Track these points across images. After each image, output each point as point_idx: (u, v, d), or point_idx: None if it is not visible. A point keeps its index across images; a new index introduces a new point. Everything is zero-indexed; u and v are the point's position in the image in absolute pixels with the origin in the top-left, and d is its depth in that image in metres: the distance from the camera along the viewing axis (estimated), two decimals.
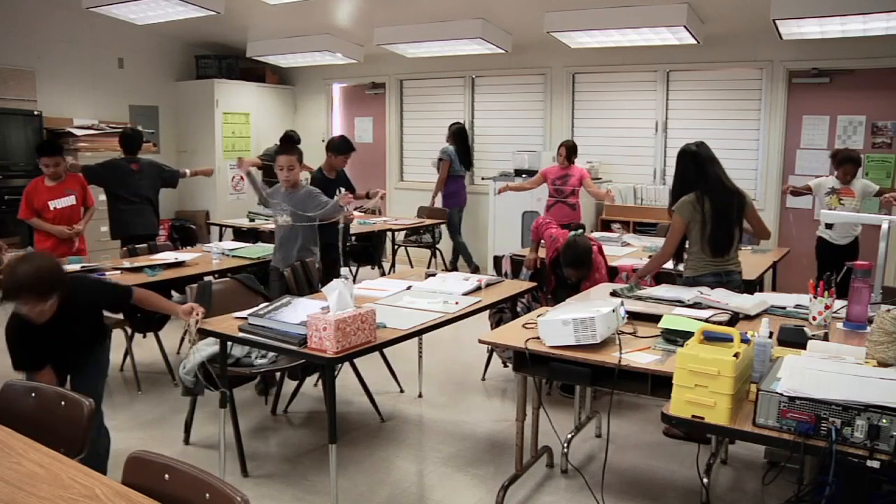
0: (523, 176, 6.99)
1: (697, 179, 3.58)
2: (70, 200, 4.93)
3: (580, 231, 4.34)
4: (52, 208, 4.87)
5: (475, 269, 7.48)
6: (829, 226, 5.30)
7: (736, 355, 1.95)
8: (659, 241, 5.47)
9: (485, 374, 4.64)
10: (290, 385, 4.16)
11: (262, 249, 4.92)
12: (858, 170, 5.27)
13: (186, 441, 3.65)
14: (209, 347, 3.37)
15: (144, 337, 4.73)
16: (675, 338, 2.60)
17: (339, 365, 2.80)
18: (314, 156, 9.05)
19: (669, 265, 4.18)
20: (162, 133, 8.45)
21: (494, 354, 4.55)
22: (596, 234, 5.87)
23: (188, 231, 7.83)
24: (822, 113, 6.45)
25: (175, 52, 8.60)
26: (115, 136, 7.21)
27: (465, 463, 3.47)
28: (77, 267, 4.11)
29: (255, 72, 8.94)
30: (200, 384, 3.38)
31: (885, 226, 3.19)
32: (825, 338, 2.64)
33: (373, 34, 7.14)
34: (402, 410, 4.12)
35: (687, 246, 3.70)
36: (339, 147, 5.24)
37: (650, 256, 4.70)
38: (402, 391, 4.35)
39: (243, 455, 3.35)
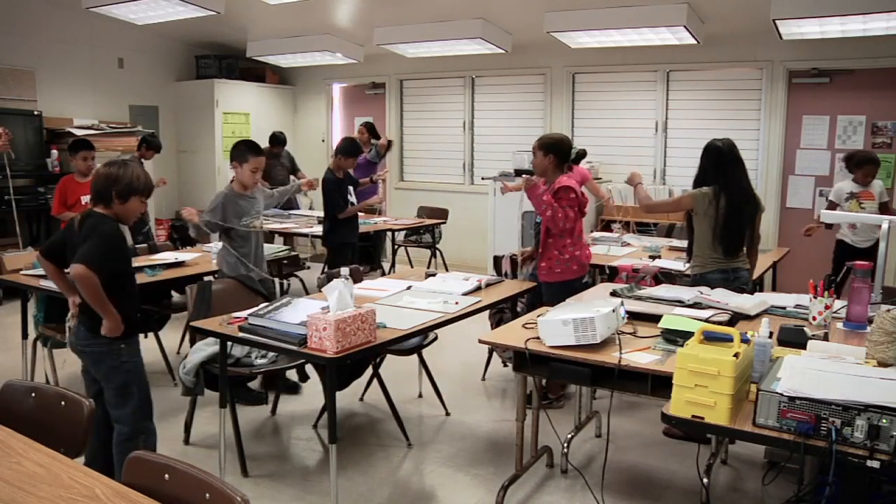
0: (523, 176, 6.97)
1: (717, 176, 3.58)
2: None
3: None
4: (83, 202, 4.97)
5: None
6: (852, 227, 5.24)
7: (736, 355, 1.95)
8: (659, 242, 5.48)
9: (485, 374, 4.64)
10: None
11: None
12: (878, 170, 5.23)
13: (186, 441, 3.65)
14: (209, 347, 3.37)
15: (146, 337, 4.70)
16: (675, 338, 2.60)
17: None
18: (315, 155, 9.08)
19: (680, 265, 4.18)
20: (162, 133, 8.42)
21: (494, 354, 4.55)
22: (596, 234, 5.87)
23: (188, 231, 7.83)
24: (822, 113, 6.45)
25: (175, 52, 8.60)
26: (115, 137, 7.28)
27: (465, 463, 3.47)
28: None
29: (255, 72, 8.93)
30: (200, 384, 3.39)
31: (885, 226, 3.19)
32: (825, 338, 2.64)
33: (373, 34, 7.13)
34: (402, 410, 4.11)
35: (695, 244, 3.70)
36: (347, 150, 5.45)
37: (651, 257, 4.71)
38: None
39: (243, 455, 3.35)
